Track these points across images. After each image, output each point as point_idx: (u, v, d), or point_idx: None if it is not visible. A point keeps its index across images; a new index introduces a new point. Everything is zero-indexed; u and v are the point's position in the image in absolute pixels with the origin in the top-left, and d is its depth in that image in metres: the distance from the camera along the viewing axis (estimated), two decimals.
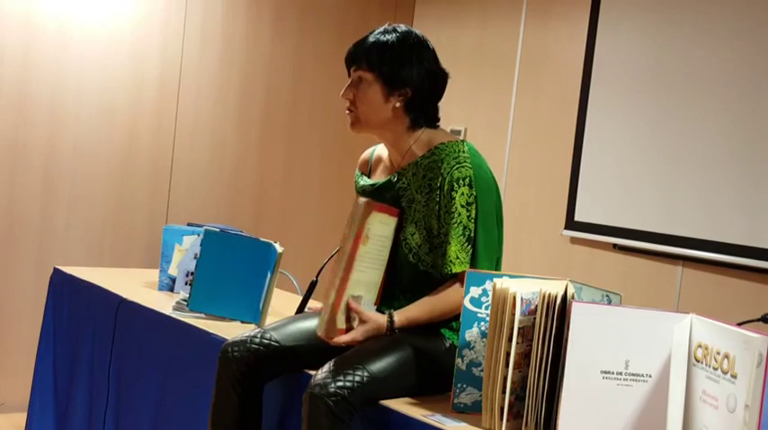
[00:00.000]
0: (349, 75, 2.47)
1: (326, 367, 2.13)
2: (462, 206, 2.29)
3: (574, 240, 4.79)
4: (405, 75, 2.38)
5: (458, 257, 2.29)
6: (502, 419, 1.98)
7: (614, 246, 4.60)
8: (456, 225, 2.29)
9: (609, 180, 4.62)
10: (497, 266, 2.40)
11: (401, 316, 2.29)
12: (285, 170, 5.46)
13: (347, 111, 2.46)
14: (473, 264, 2.31)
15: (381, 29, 2.44)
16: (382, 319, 2.27)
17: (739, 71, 4.11)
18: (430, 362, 2.27)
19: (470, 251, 2.31)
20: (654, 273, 4.43)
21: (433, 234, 2.34)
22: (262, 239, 2.94)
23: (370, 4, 5.69)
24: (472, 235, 2.31)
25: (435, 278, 2.35)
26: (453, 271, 2.29)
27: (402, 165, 2.44)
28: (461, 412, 2.13)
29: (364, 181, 2.56)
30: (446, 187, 2.30)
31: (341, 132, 5.52)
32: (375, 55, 2.38)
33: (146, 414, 3.01)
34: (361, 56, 2.41)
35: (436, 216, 2.32)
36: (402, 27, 2.44)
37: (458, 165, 2.31)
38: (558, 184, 4.84)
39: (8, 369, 4.62)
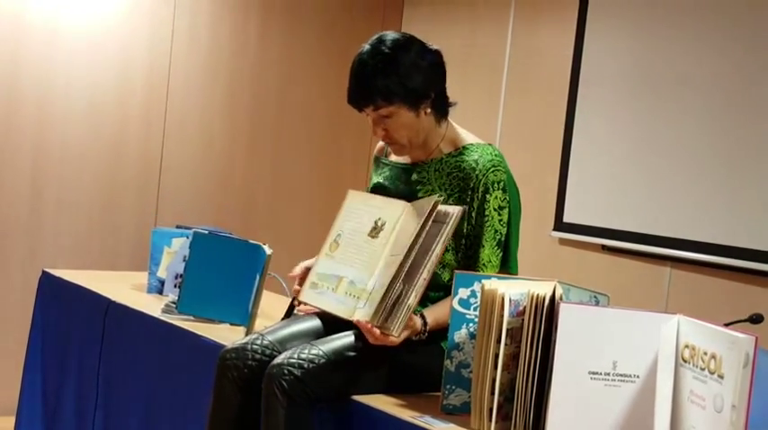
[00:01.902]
0: (360, 111, 2.38)
1: (289, 351, 2.15)
2: (495, 209, 2.32)
3: (562, 241, 4.80)
4: (422, 86, 2.33)
5: (490, 261, 2.32)
6: (491, 421, 1.98)
7: (603, 247, 4.61)
8: (489, 228, 2.32)
9: (597, 181, 4.63)
10: None
11: (430, 317, 2.26)
12: (274, 171, 5.45)
13: (386, 142, 2.41)
14: (504, 267, 2.34)
15: (367, 52, 2.32)
16: (417, 321, 2.24)
17: (727, 73, 4.13)
18: (402, 353, 2.24)
19: (500, 255, 2.34)
20: (642, 273, 4.44)
21: (460, 234, 2.34)
22: (251, 241, 2.94)
23: (357, 7, 5.68)
24: (503, 239, 2.33)
25: (440, 279, 2.36)
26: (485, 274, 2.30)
27: (425, 160, 2.44)
28: (450, 413, 2.13)
29: (388, 160, 2.54)
30: (481, 189, 2.32)
31: (329, 133, 5.52)
32: (385, 88, 2.28)
33: (135, 416, 3.00)
34: (372, 95, 2.30)
35: (467, 216, 2.33)
36: (385, 40, 2.34)
37: (493, 169, 2.33)
38: (546, 186, 4.85)
39: None
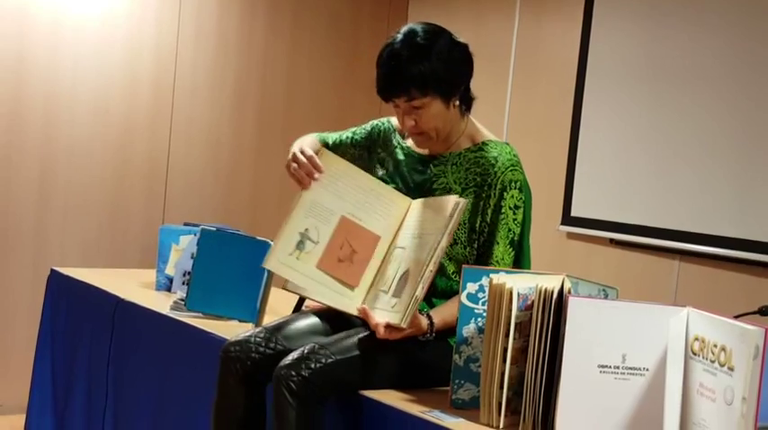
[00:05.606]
0: (387, 101, 2.33)
1: (297, 352, 2.14)
2: (510, 208, 2.31)
3: (570, 235, 4.80)
4: (455, 78, 2.33)
5: (503, 258, 2.31)
6: (500, 415, 1.98)
7: (611, 240, 4.61)
8: (503, 226, 2.31)
9: (605, 175, 4.62)
10: None
11: (437, 317, 2.25)
12: (281, 168, 5.43)
13: (415, 135, 2.38)
14: (517, 266, 2.33)
15: (400, 42, 2.27)
16: (423, 321, 2.23)
17: (735, 64, 4.11)
18: (409, 349, 2.24)
19: (513, 254, 2.33)
20: (651, 267, 4.43)
21: (473, 229, 2.33)
22: (258, 238, 2.94)
23: (363, 2, 5.68)
24: (516, 238, 2.33)
25: (446, 269, 2.35)
26: None
27: (444, 152, 2.43)
28: (459, 408, 2.13)
29: (405, 145, 2.52)
30: (498, 186, 2.31)
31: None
32: (420, 79, 2.25)
33: (144, 413, 3.01)
34: (406, 86, 2.26)
35: (482, 212, 2.32)
36: (417, 30, 2.30)
37: (512, 167, 2.33)
38: (554, 180, 4.84)
39: (6, 370, 4.62)
